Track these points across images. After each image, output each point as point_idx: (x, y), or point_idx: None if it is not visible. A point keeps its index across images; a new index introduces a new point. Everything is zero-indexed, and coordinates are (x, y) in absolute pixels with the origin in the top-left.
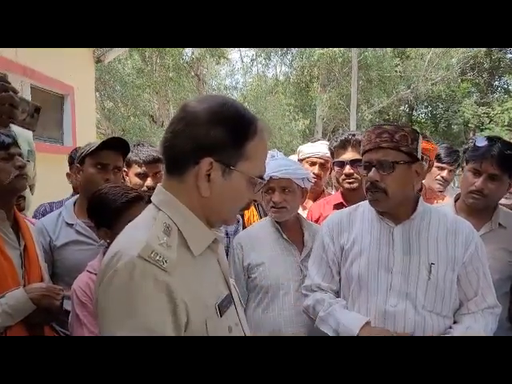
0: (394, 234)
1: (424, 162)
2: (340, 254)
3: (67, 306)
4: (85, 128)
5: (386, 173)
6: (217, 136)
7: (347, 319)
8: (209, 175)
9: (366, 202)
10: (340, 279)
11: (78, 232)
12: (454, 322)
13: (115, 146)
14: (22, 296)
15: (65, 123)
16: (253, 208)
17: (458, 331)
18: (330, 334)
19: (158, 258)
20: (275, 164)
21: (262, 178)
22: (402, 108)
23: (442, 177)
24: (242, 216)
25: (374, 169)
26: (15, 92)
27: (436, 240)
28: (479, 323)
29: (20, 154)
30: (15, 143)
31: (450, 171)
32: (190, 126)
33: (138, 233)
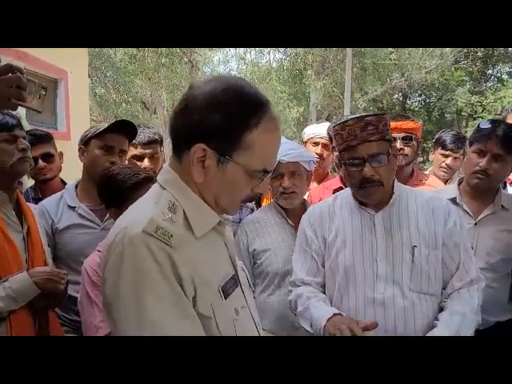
0: (375, 221)
1: (414, 142)
2: (324, 246)
3: (71, 291)
4: (78, 113)
5: (380, 166)
6: (212, 122)
7: (318, 312)
8: (204, 161)
9: (343, 192)
10: (324, 272)
11: (80, 215)
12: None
13: (121, 129)
14: (26, 280)
15: (58, 108)
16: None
17: (442, 320)
18: (308, 328)
19: (163, 232)
20: (281, 148)
21: (266, 171)
22: (395, 96)
23: (447, 164)
24: (259, 202)
25: (367, 164)
26: (22, 72)
27: (416, 221)
28: (464, 302)
29: (24, 137)
30: (19, 125)
31: (456, 158)
32: (188, 109)
33: (143, 210)
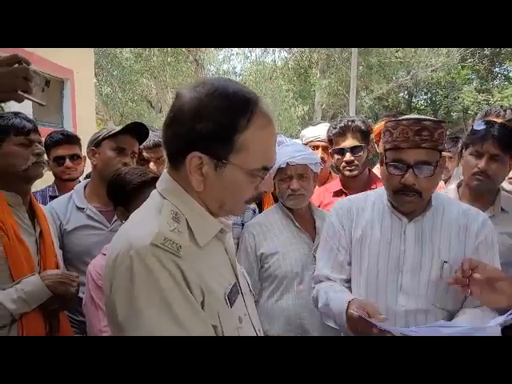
0: (407, 231)
1: None
2: (350, 242)
3: (79, 293)
4: (84, 112)
5: (424, 176)
6: (202, 130)
7: (337, 302)
8: (201, 169)
9: (376, 191)
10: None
11: (88, 216)
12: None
13: (134, 132)
14: (38, 283)
15: (64, 107)
16: (271, 198)
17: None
18: (333, 325)
19: (171, 244)
20: (290, 150)
21: (266, 168)
22: (401, 94)
23: None
24: (260, 205)
25: (411, 171)
26: (28, 64)
27: (449, 236)
28: (484, 312)
29: (39, 142)
30: (36, 130)
31: (450, 158)
32: (177, 119)
33: (147, 222)
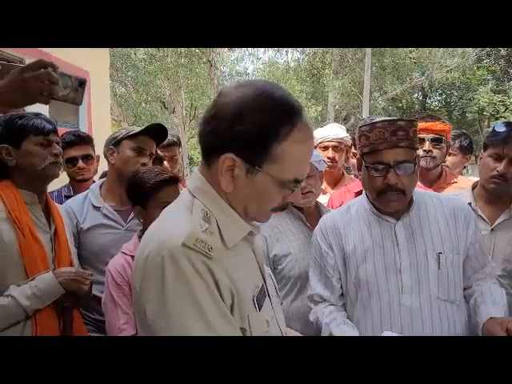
0: (397, 230)
1: (443, 144)
2: (341, 259)
3: (95, 291)
4: (99, 113)
5: (405, 174)
6: (242, 132)
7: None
8: (233, 171)
9: (356, 201)
10: (341, 286)
11: (104, 215)
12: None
13: (154, 133)
14: (51, 280)
15: (80, 108)
16: None
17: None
18: None
19: (203, 245)
20: None
21: (298, 181)
22: (415, 95)
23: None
24: None
25: (392, 171)
26: (54, 67)
27: (438, 226)
28: (493, 285)
29: (58, 142)
30: (55, 130)
31: (455, 156)
32: (217, 117)
33: (179, 221)
